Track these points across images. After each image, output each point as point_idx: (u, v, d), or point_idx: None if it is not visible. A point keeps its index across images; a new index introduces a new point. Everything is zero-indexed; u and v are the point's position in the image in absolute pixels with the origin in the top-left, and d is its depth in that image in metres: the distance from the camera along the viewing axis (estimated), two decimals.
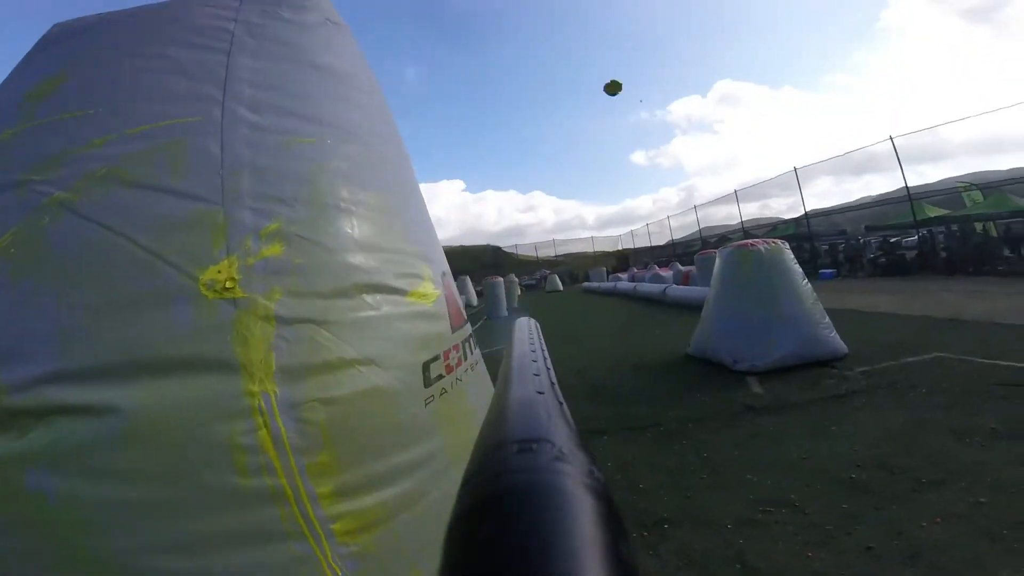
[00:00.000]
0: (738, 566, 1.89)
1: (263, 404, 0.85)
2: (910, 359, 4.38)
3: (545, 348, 0.84)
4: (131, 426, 0.79)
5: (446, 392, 1.21)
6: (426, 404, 1.13)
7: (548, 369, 0.63)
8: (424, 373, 1.15)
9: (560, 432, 0.34)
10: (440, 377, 1.21)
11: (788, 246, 5.01)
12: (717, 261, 5.33)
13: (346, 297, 1.06)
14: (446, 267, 1.57)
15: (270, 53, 1.31)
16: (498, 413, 0.41)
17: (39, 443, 0.77)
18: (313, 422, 0.89)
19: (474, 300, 24.07)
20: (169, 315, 0.88)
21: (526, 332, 0.97)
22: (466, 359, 1.41)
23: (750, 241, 5.08)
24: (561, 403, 0.44)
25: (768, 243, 4.95)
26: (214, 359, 0.86)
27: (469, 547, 0.23)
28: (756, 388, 4.13)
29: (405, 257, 1.28)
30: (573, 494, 0.24)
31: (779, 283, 4.73)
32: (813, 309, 4.72)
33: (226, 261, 0.94)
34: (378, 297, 1.13)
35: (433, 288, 1.32)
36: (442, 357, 1.25)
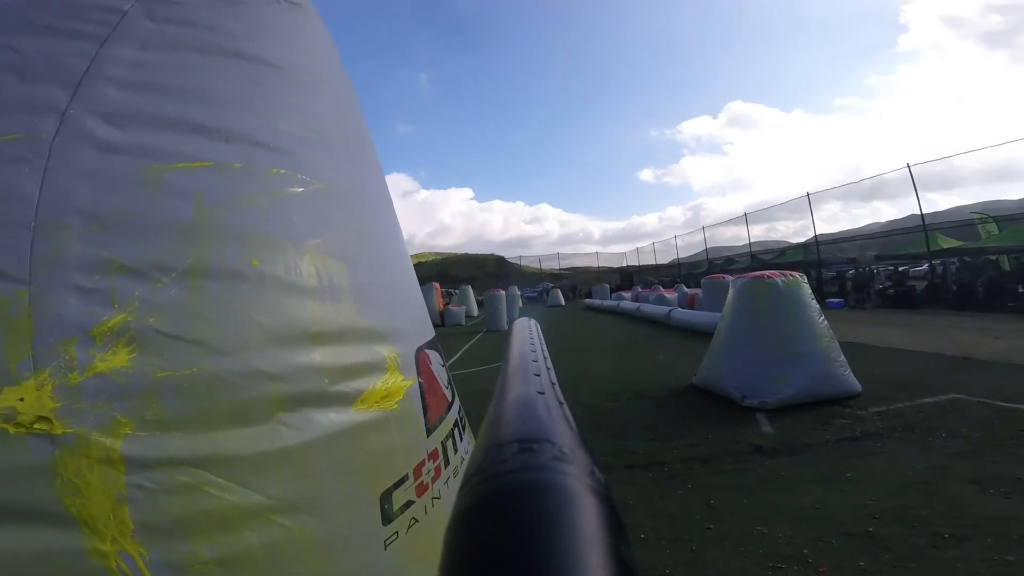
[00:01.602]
0: None
1: (123, 565, 0.63)
2: (926, 400, 4.29)
3: (545, 348, 0.78)
4: None
5: (417, 522, 0.93)
6: (386, 545, 0.86)
7: (548, 369, 0.62)
8: (383, 507, 0.87)
9: (561, 432, 0.33)
10: (408, 504, 0.92)
11: (806, 279, 4.84)
12: (731, 291, 5.16)
13: (248, 422, 0.75)
14: (427, 332, 1.24)
15: (170, 39, 0.93)
16: (498, 413, 0.41)
17: None
18: None
19: (475, 310, 24.07)
20: None
21: (526, 332, 0.89)
22: (448, 463, 1.09)
23: (767, 273, 4.88)
24: (561, 403, 0.44)
25: (785, 275, 4.75)
26: (37, 509, 0.62)
27: (469, 546, 0.23)
28: (766, 427, 3.96)
29: (354, 345, 0.93)
30: (574, 494, 0.24)
31: (796, 318, 4.56)
32: (829, 347, 4.54)
33: (32, 381, 0.64)
34: (305, 415, 0.80)
35: (400, 379, 0.99)
36: (411, 477, 0.94)
